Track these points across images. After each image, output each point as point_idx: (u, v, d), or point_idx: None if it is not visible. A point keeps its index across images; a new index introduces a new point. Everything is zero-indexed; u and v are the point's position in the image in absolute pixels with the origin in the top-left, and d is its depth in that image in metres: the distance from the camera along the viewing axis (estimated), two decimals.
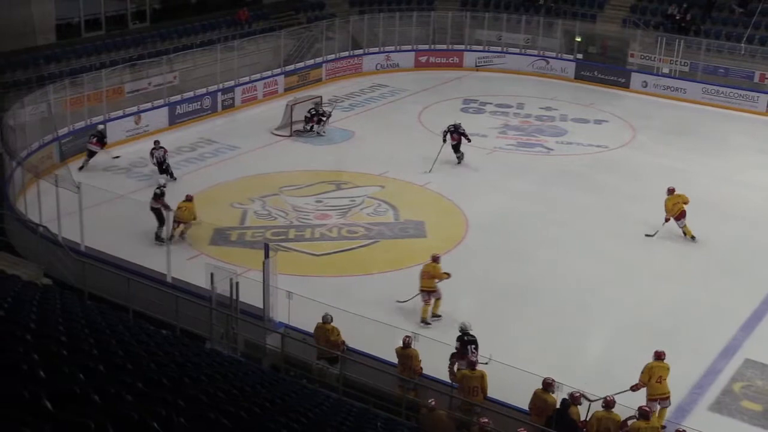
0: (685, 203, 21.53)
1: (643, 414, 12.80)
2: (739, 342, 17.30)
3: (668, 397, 14.27)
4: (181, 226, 20.35)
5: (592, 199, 24.43)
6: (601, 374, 15.45)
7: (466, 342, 14.87)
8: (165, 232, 20.15)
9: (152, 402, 6.41)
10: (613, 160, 27.72)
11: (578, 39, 37.97)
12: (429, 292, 17.41)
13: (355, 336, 15.55)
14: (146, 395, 6.67)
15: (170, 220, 20.05)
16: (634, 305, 18.61)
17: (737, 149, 29.28)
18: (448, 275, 17.40)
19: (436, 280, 17.38)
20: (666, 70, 36.33)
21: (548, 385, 13.45)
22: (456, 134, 26.15)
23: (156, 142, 24.59)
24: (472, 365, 14.14)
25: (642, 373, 14.19)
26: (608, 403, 13.04)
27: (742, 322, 18.10)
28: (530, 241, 21.44)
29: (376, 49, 37.38)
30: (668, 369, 14.23)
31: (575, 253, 20.92)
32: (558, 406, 13.19)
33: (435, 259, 17.65)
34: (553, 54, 37.97)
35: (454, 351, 14.70)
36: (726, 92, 34.42)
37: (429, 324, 17.14)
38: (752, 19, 36.52)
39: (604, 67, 36.95)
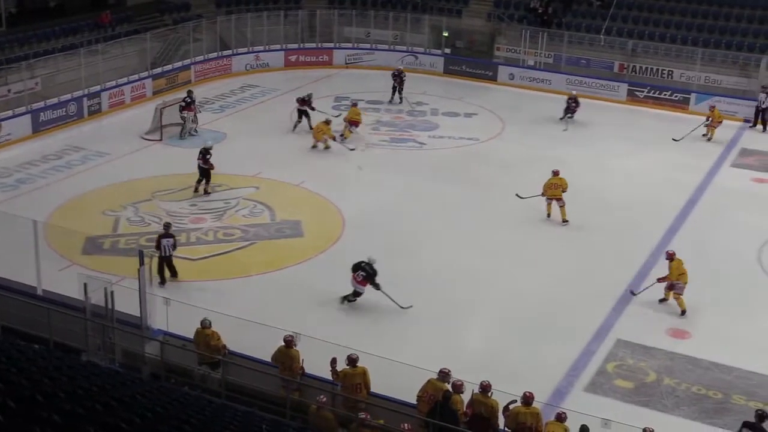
0: (564, 190, 22.61)
1: (526, 399, 13.12)
2: (610, 323, 17.94)
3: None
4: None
5: (466, 191, 24.88)
6: (484, 364, 15.74)
7: (359, 268, 17.87)
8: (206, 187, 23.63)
9: (26, 420, 6.19)
10: (485, 152, 28.29)
11: (445, 34, 38.56)
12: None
13: (236, 339, 15.39)
14: (19, 413, 6.43)
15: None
16: (512, 293, 19.06)
17: (602, 137, 30.29)
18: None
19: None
20: (531, 63, 37.34)
21: (444, 375, 13.59)
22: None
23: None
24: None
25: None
26: (484, 388, 13.29)
27: (612, 303, 18.77)
28: (408, 235, 21.67)
29: (245, 50, 37.07)
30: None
31: (454, 245, 21.26)
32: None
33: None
34: (422, 49, 38.49)
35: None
36: (588, 82, 35.62)
37: None
38: (609, 12, 37.89)
39: (471, 61, 37.66)
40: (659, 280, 18.65)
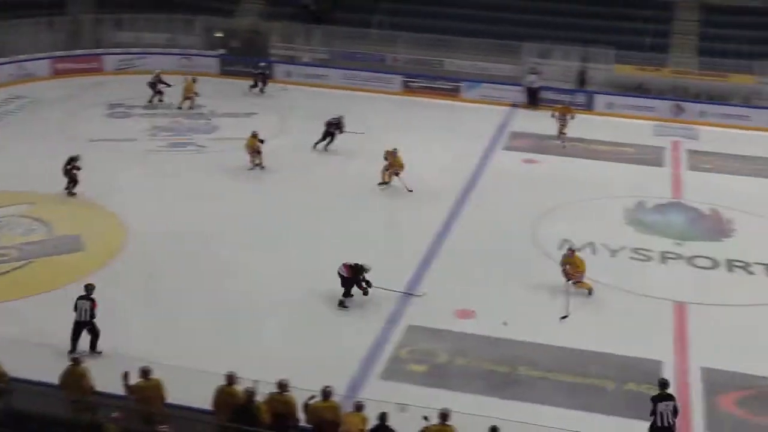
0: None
1: (324, 394, 13.25)
2: (400, 310, 18.41)
3: None
4: None
5: (249, 189, 24.82)
6: (279, 361, 15.71)
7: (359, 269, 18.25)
8: None
9: None
10: (265, 150, 28.20)
11: (219, 35, 38.18)
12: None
13: (19, 365, 14.61)
14: None
15: None
16: (302, 288, 19.14)
17: (380, 130, 30.91)
18: None
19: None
20: (307, 59, 37.64)
21: (231, 379, 13.50)
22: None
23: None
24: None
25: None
26: (281, 386, 13.32)
27: (401, 289, 19.28)
28: (196, 239, 21.31)
29: (6, 59, 35.14)
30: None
31: (237, 242, 21.17)
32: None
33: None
34: (195, 51, 37.93)
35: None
36: (363, 76, 36.33)
37: None
38: (378, 5, 38.83)
39: (247, 60, 37.48)
40: (575, 284, 19.17)
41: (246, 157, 26.29)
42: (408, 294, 18.96)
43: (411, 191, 24.72)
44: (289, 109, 33.00)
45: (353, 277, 18.37)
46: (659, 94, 35.62)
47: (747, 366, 16.61)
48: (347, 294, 18.46)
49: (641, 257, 21.66)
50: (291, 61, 37.60)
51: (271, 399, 13.33)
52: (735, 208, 24.72)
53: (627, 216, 24.16)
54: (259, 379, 13.43)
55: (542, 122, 31.40)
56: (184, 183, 25.16)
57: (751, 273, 21.01)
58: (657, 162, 29.20)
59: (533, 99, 34.69)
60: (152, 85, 32.61)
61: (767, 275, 20.88)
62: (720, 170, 28.44)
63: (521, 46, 36.31)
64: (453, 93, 35.76)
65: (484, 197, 25.19)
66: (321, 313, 18.22)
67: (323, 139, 28.35)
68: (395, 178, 25.08)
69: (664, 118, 34.06)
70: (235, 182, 25.31)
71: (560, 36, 36.88)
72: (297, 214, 23.06)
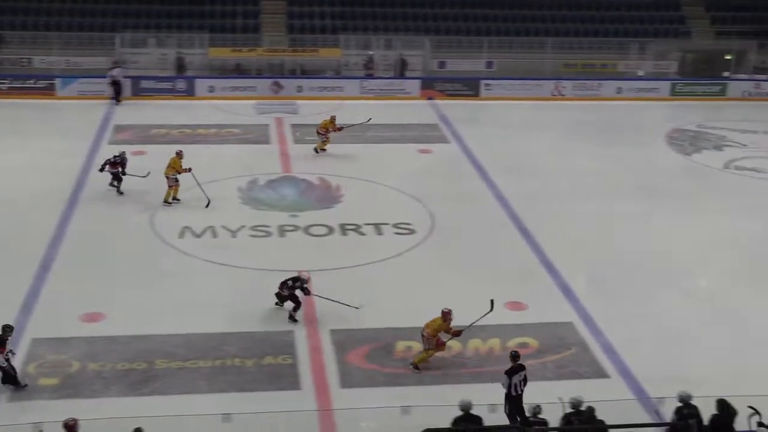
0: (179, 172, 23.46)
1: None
2: (22, 324, 17.30)
3: None
4: None
5: None
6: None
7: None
8: None
9: None
10: None
11: None
12: None
13: None
14: None
15: None
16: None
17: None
18: None
19: None
20: None
21: None
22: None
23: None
24: None
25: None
26: None
27: (20, 303, 18.14)
28: None
29: None
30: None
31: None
32: None
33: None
34: None
35: None
36: None
37: None
38: None
39: None
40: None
41: None
42: (344, 305, 18.00)
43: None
44: None
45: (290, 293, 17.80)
46: (257, 73, 36.64)
47: (371, 321, 17.75)
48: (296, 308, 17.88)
49: (261, 233, 22.24)
50: None
51: None
52: (341, 175, 26.18)
53: (242, 196, 24.66)
54: None
55: (145, 112, 30.99)
56: None
57: (362, 234, 22.41)
58: (263, 140, 30.05)
59: (117, 92, 33.76)
60: None
61: (377, 233, 22.40)
62: None
63: (114, 38, 35.45)
64: (47, 91, 34.07)
65: (96, 194, 24.37)
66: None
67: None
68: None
69: (265, 96, 35.14)
70: None
71: (153, 24, 36.55)
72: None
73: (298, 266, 19.80)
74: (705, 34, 40.60)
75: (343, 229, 22.62)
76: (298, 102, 34.82)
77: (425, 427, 10.46)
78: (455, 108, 34.51)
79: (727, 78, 38.37)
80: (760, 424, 13.15)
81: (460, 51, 38.39)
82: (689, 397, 13.63)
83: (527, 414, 12.92)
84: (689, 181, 27.49)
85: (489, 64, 38.04)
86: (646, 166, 28.44)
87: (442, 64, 38.11)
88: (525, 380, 14.41)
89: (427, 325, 16.26)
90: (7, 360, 15.17)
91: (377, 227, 22.68)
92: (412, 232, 22.54)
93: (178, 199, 23.78)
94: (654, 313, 18.68)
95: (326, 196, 24.99)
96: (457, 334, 16.24)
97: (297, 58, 37.29)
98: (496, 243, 22.11)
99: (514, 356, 14.66)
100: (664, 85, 37.81)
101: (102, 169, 24.22)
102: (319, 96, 35.26)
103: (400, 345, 17.09)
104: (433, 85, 36.61)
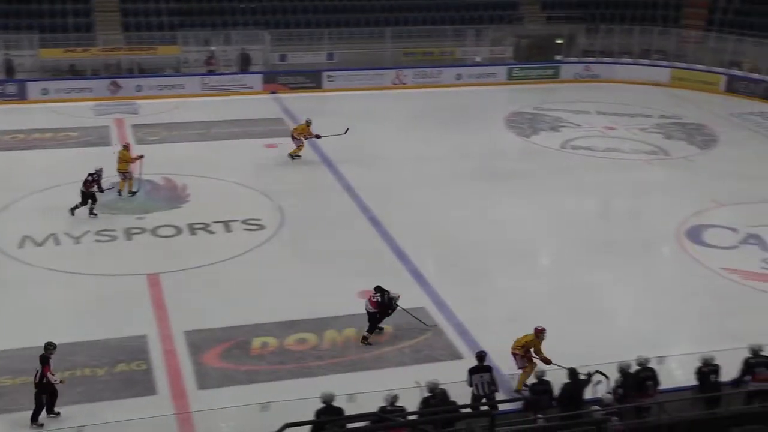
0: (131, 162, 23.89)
1: None
2: None
3: None
4: None
5: None
6: None
7: (380, 291, 16.86)
8: None
9: None
10: None
11: None
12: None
13: None
14: None
15: None
16: None
17: None
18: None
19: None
20: None
21: None
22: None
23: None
24: None
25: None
26: None
27: None
28: None
29: None
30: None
31: None
32: None
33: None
34: None
35: None
36: None
37: None
38: None
39: None
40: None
41: None
42: (421, 322, 17.61)
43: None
44: None
45: (380, 312, 16.96)
46: (93, 74, 35.54)
47: (225, 320, 17.58)
48: (373, 329, 17.07)
49: (106, 238, 21.63)
50: None
51: None
52: (186, 174, 25.75)
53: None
54: None
55: None
56: None
57: (212, 232, 22.13)
58: (103, 141, 29.20)
59: None
60: None
61: (226, 231, 22.17)
62: (166, 140, 29.38)
63: None
64: None
65: None
66: None
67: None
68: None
69: (103, 97, 34.15)
70: None
71: None
72: None
73: (146, 269, 19.49)
74: (537, 19, 41.97)
75: (192, 228, 22.28)
76: (138, 102, 34.00)
77: (285, 422, 10.43)
78: (299, 101, 34.49)
79: (559, 61, 39.81)
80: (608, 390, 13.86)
81: (301, 44, 38.35)
82: (543, 373, 14.17)
83: (384, 403, 13.09)
84: (529, 162, 28.40)
85: (330, 56, 38.16)
86: (487, 150, 29.25)
87: (283, 58, 37.98)
88: (492, 383, 14.30)
89: (517, 342, 15.55)
90: (47, 382, 14.26)
91: (226, 225, 22.44)
92: (261, 227, 22.43)
93: (133, 192, 24.09)
94: (502, 292, 19.27)
95: (173, 196, 24.53)
96: (546, 361, 15.22)
97: (134, 56, 36.37)
98: (346, 233, 22.28)
99: (478, 356, 14.66)
100: (501, 70, 38.92)
101: (101, 190, 22.84)
102: (160, 95, 34.55)
103: (257, 342, 17.01)
104: (275, 79, 36.49)
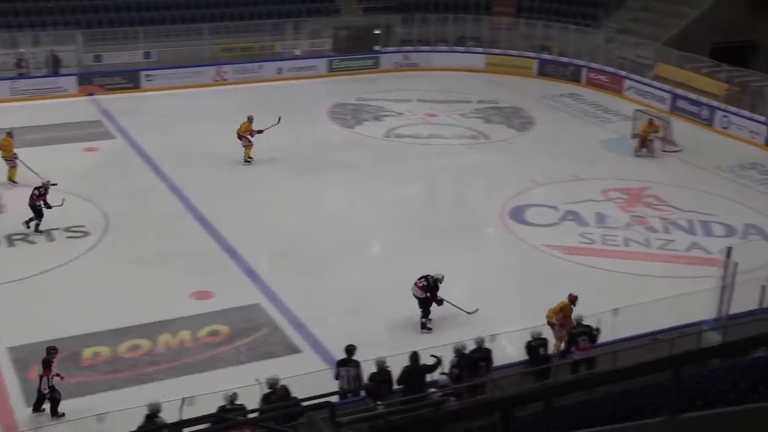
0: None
1: None
2: None
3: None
4: None
5: None
6: None
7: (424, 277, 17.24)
8: None
9: None
10: None
11: None
12: None
13: None
14: None
15: None
16: None
17: None
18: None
19: None
20: None
21: None
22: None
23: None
24: None
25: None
26: None
27: None
28: None
29: None
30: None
31: None
32: None
33: None
34: None
35: None
36: None
37: None
38: None
39: None
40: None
41: None
42: (461, 310, 17.73)
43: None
44: None
45: (430, 294, 17.22)
46: None
47: (52, 332, 16.85)
48: (427, 313, 17.34)
49: None
50: None
51: None
52: (1, 183, 24.57)
53: None
54: None
55: None
56: None
57: (32, 243, 21.21)
58: None
59: None
60: None
61: (48, 240, 21.30)
62: None
63: None
64: None
65: None
66: None
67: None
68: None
69: None
70: None
71: None
72: None
73: None
74: (353, 11, 42.32)
75: (10, 240, 21.28)
76: None
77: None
78: (117, 102, 33.45)
79: (378, 51, 40.29)
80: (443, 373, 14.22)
81: (116, 43, 37.15)
82: (383, 362, 14.38)
83: (224, 402, 12.94)
84: (355, 152, 28.65)
85: (147, 55, 37.13)
86: (312, 142, 29.30)
87: (98, 58, 36.65)
88: (358, 378, 14.38)
89: (551, 310, 16.37)
90: (51, 386, 14.34)
91: (48, 234, 21.54)
92: (86, 234, 21.67)
93: (15, 182, 24.44)
94: (338, 283, 19.39)
95: None
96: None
97: None
98: (175, 234, 21.86)
99: (347, 349, 14.65)
100: (322, 63, 39.04)
101: (49, 206, 21.52)
102: None
103: (87, 352, 16.49)
104: (91, 80, 35.20)
